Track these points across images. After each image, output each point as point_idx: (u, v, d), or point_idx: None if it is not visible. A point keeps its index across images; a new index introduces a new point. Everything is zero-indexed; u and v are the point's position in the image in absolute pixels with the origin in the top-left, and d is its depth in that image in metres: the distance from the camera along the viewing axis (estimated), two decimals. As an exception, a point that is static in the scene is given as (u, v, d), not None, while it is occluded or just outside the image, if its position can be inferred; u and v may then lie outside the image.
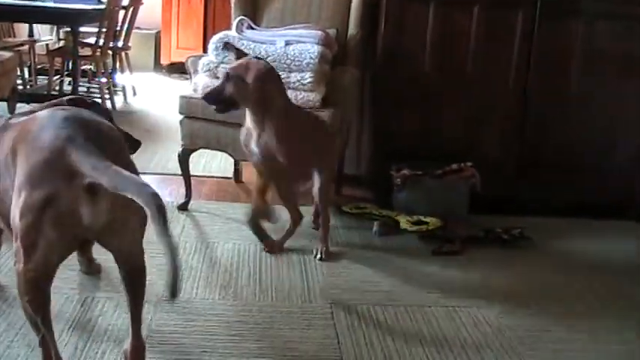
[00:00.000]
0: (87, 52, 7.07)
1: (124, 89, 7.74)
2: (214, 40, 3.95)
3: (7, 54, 5.84)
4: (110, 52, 7.48)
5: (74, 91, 6.69)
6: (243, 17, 4.08)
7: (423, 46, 4.30)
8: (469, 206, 4.14)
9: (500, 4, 4.29)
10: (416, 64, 4.34)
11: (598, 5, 4.30)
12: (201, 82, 3.95)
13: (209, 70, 3.94)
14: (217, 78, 3.91)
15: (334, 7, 4.46)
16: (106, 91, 7.14)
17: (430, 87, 4.36)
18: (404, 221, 3.92)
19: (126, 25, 7.60)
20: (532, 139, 4.43)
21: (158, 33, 9.65)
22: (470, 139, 4.40)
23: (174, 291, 1.95)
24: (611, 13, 4.32)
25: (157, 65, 9.61)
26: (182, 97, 4.05)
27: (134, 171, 2.12)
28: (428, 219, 3.90)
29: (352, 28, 4.39)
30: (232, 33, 4.01)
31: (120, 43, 7.64)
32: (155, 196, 1.88)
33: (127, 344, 2.30)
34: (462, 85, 4.36)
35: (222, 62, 3.91)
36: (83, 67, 7.38)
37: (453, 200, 4.08)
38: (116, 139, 2.23)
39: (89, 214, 1.98)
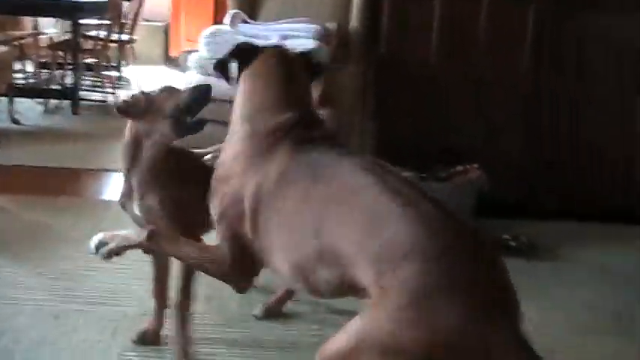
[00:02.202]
0: (90, 45, 6.92)
1: (129, 83, 7.59)
2: (205, 34, 3.76)
3: (2, 48, 5.69)
4: (115, 45, 7.34)
5: (76, 85, 6.56)
6: (237, 10, 3.89)
7: (428, 41, 4.12)
8: (476, 210, 3.92)
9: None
10: (421, 60, 4.14)
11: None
12: (192, 79, 3.75)
13: (200, 66, 3.75)
14: (209, 74, 3.73)
15: (336, 0, 4.25)
16: (108, 85, 6.98)
17: (436, 83, 4.17)
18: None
19: (132, 18, 7.44)
20: (543, 140, 4.22)
21: (167, 25, 9.50)
22: (478, 138, 4.19)
23: None
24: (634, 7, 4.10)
25: (167, 58, 9.45)
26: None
27: None
28: (430, 224, 3.69)
29: (354, 22, 4.20)
30: (225, 27, 3.82)
31: (125, 36, 7.48)
32: None
33: None
34: (470, 81, 4.16)
35: (213, 57, 3.71)
36: (89, 61, 7.24)
37: (458, 204, 3.86)
38: None
39: None
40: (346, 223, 1.75)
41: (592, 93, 4.18)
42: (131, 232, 2.24)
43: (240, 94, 2.11)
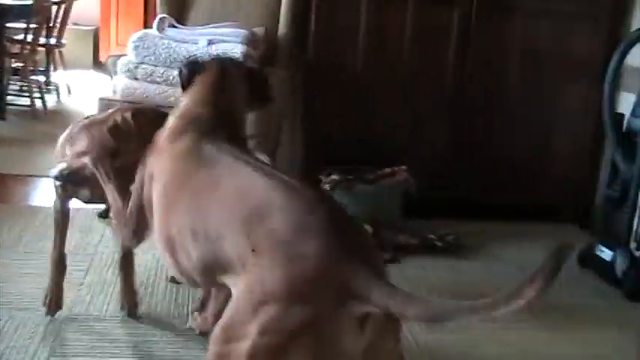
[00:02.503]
0: (17, 49, 6.82)
1: (57, 88, 7.49)
2: (133, 38, 3.76)
3: None
4: (43, 49, 7.24)
5: (2, 89, 6.45)
6: (164, 15, 3.89)
7: (355, 45, 4.15)
8: (404, 211, 3.99)
9: (435, 0, 4.16)
10: (349, 64, 4.19)
11: (535, 2, 4.21)
12: (120, 84, 3.75)
13: (128, 70, 3.74)
14: (137, 79, 3.73)
15: (264, 5, 4.30)
16: (36, 90, 6.88)
17: (363, 87, 4.21)
18: (333, 228, 3.75)
19: (59, 21, 7.34)
20: (469, 141, 4.30)
21: (97, 29, 9.40)
22: (405, 140, 4.25)
23: None
24: (548, 10, 4.22)
25: (97, 63, 9.34)
26: (102, 100, 3.85)
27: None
28: (358, 226, 3.74)
29: (282, 27, 4.23)
30: (153, 31, 3.83)
31: (53, 40, 7.38)
32: None
33: None
34: (396, 85, 4.22)
35: (142, 62, 3.72)
36: (15, 65, 7.12)
37: (385, 205, 3.93)
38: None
39: (350, 342, 1.62)
40: (218, 201, 1.87)
41: (514, 93, 4.29)
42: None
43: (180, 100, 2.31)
